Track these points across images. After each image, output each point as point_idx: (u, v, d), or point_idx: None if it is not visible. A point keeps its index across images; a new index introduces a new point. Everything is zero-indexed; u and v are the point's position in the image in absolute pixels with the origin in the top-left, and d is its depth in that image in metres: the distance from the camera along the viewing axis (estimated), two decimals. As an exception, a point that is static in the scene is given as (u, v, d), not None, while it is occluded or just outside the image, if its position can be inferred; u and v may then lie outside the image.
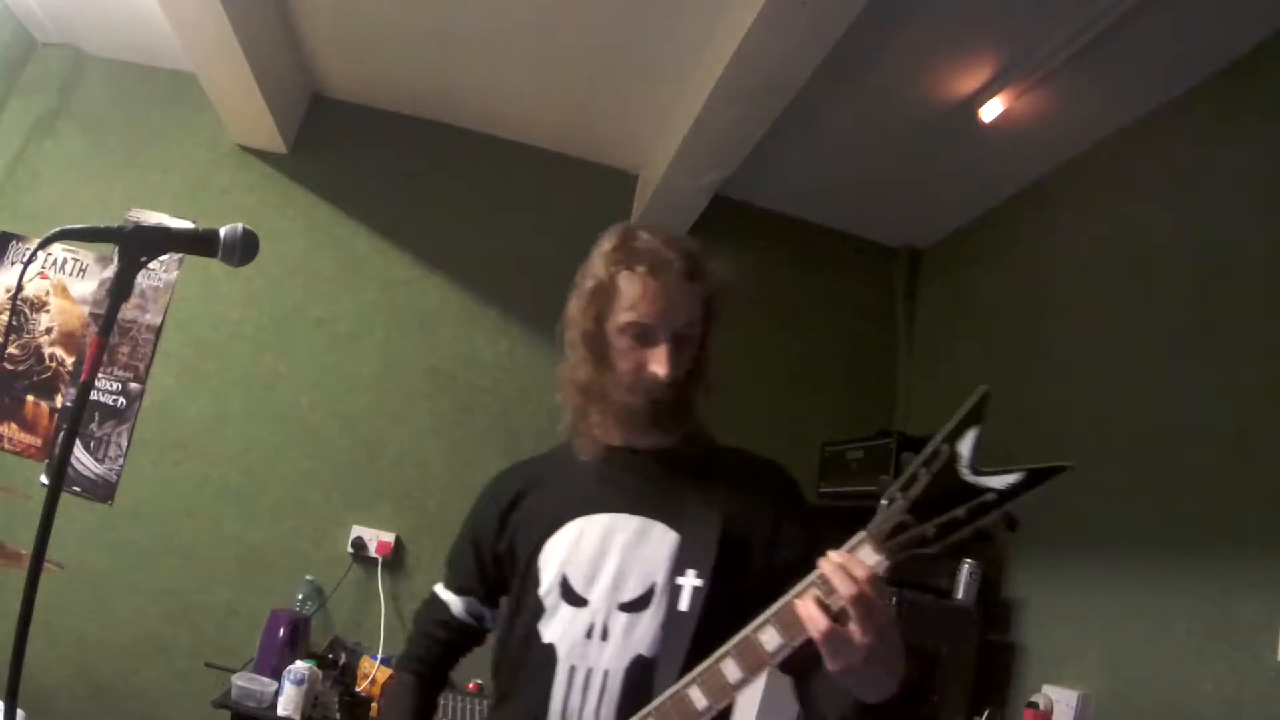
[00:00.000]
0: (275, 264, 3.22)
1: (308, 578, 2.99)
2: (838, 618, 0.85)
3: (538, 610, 1.15)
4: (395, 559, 3.10)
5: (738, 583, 1.10)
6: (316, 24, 2.98)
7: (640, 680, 1.07)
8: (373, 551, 3.07)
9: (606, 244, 1.22)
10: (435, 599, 1.35)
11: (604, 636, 1.10)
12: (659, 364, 1.13)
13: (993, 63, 2.55)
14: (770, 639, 0.89)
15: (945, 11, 2.36)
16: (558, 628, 1.12)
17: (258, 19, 2.74)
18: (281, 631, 2.70)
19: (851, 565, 0.86)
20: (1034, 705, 2.28)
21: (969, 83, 2.64)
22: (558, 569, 1.14)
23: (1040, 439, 2.70)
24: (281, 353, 3.20)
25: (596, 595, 1.12)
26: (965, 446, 0.83)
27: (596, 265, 1.20)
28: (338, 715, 2.58)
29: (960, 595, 2.58)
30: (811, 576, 0.90)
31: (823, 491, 3.11)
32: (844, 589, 0.85)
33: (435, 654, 1.34)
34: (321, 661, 2.69)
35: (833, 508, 3.04)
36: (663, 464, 1.19)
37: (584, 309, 1.19)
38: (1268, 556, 1.88)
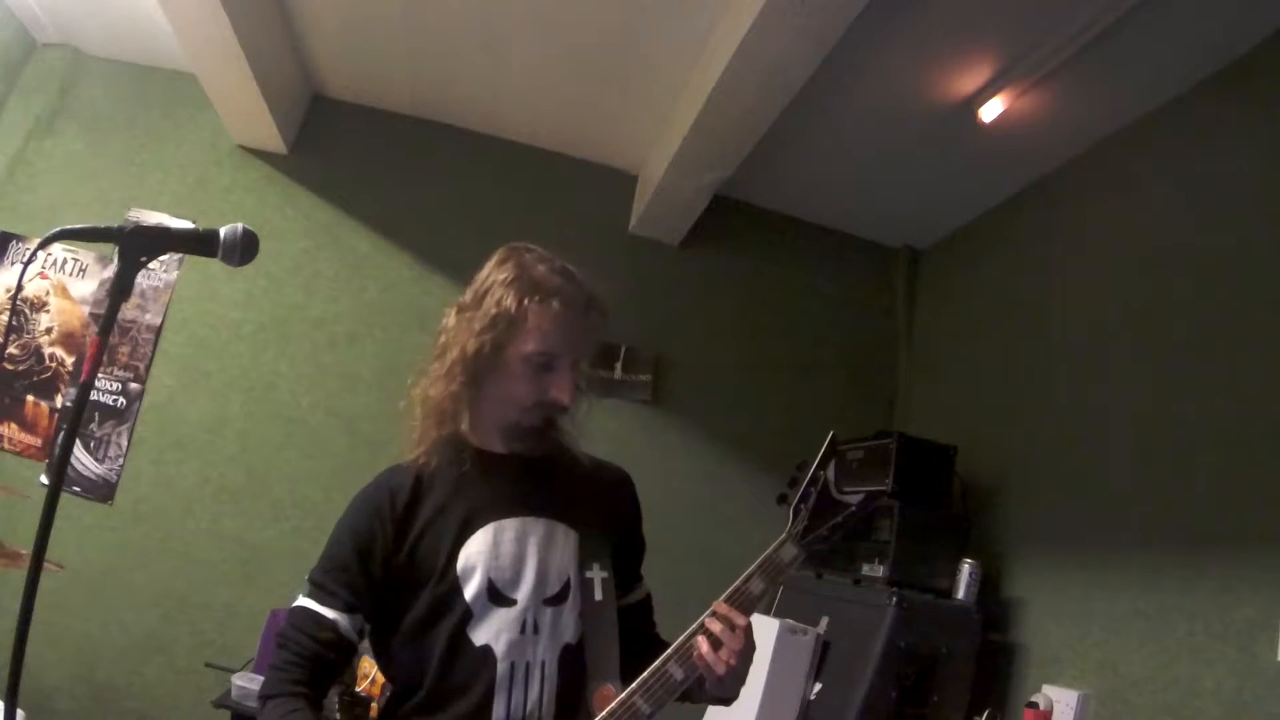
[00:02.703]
0: (275, 264, 3.22)
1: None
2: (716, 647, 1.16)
3: (465, 615, 1.20)
4: (395, 559, 3.09)
5: (621, 572, 1.33)
6: (316, 24, 2.98)
7: (573, 664, 1.23)
8: (373, 551, 3.07)
9: (504, 272, 1.27)
10: (314, 616, 1.23)
11: (535, 630, 1.22)
12: (563, 391, 1.24)
13: (993, 63, 2.55)
14: (677, 671, 1.18)
15: (945, 11, 2.36)
16: (491, 629, 1.20)
17: (258, 19, 2.75)
18: (281, 631, 2.69)
19: (733, 617, 1.16)
20: (1034, 705, 2.28)
21: (969, 83, 2.64)
22: (482, 574, 1.21)
23: (1040, 439, 2.70)
24: (281, 353, 3.20)
25: (523, 594, 1.22)
26: (830, 472, 1.30)
27: (500, 293, 1.24)
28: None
29: (960, 595, 2.58)
30: (700, 625, 1.18)
31: (822, 491, 3.10)
32: (731, 644, 1.15)
33: (320, 676, 1.22)
34: (321, 661, 2.68)
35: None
36: (546, 469, 1.31)
37: (480, 333, 1.24)
38: (1268, 556, 1.88)
